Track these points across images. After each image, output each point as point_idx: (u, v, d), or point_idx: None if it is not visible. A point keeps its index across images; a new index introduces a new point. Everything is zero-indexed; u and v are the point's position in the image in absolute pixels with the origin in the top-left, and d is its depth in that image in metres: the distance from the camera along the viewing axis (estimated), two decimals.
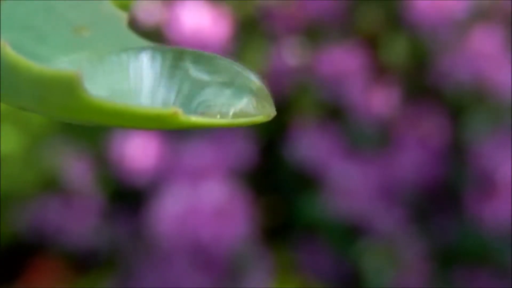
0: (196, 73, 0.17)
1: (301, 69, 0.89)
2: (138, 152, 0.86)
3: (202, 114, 0.16)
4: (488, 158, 0.86)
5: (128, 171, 0.86)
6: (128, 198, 0.89)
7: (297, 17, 0.92)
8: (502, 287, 0.86)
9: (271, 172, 0.92)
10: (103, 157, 0.88)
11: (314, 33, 0.92)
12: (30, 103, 0.15)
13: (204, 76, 0.17)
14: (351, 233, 0.88)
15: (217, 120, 0.16)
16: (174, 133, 0.88)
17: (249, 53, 0.89)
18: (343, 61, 0.89)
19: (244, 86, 0.17)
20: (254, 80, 0.17)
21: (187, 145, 0.87)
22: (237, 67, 0.17)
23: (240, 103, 0.17)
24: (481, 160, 0.87)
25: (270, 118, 0.17)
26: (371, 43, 0.91)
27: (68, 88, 0.14)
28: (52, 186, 0.88)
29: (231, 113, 0.16)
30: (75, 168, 0.88)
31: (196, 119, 0.16)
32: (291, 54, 0.90)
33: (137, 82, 0.17)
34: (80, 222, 0.87)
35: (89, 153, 0.89)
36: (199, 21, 0.88)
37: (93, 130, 0.90)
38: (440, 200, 0.90)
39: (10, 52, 0.14)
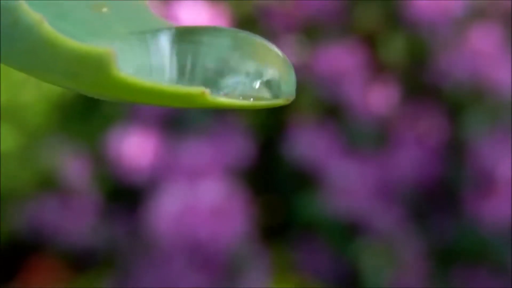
0: (218, 50, 0.17)
1: (300, 67, 0.89)
2: (136, 151, 0.86)
3: (226, 95, 0.17)
4: (487, 156, 0.86)
5: (125, 169, 0.86)
6: (126, 197, 0.89)
7: (295, 15, 0.92)
8: (501, 286, 0.86)
9: (269, 171, 0.92)
10: (101, 156, 0.88)
11: (312, 31, 0.92)
12: (62, 79, 0.15)
13: (227, 54, 0.17)
14: (349, 232, 0.88)
15: (240, 102, 0.17)
16: (172, 132, 0.88)
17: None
18: (341, 60, 0.89)
19: (266, 66, 0.17)
20: (277, 56, 0.18)
21: (185, 143, 0.87)
22: (261, 41, 0.18)
23: (262, 86, 0.17)
24: (479, 159, 0.86)
25: (289, 102, 0.18)
26: (370, 42, 0.91)
27: (101, 64, 0.14)
28: (49, 185, 0.88)
29: (253, 96, 0.17)
30: (72, 167, 0.87)
31: (221, 100, 0.16)
32: (289, 53, 0.90)
33: (158, 61, 0.17)
34: (78, 221, 0.87)
35: (87, 152, 0.88)
36: (197, 19, 0.88)
37: (90, 129, 0.90)
38: (439, 198, 0.90)
39: (47, 27, 0.14)
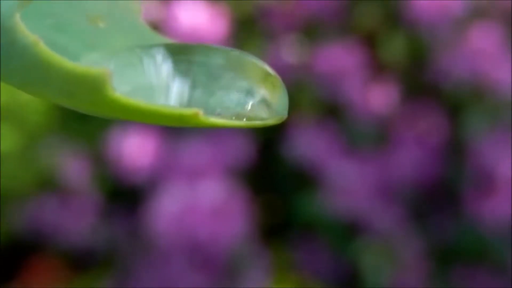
0: (210, 69, 0.17)
1: (299, 67, 0.89)
2: (136, 151, 0.86)
3: (219, 115, 0.17)
4: (487, 156, 0.86)
5: (125, 169, 0.86)
6: (125, 197, 0.89)
7: (295, 15, 0.92)
8: (501, 286, 0.86)
9: (269, 171, 0.92)
10: (101, 156, 0.88)
11: (312, 31, 0.92)
12: (58, 97, 0.16)
13: (219, 73, 0.17)
14: (349, 231, 0.88)
15: (233, 122, 0.17)
16: (172, 132, 0.88)
17: (246, 52, 0.89)
18: (341, 59, 0.89)
19: (258, 85, 0.18)
20: (269, 74, 0.18)
21: (185, 143, 0.87)
22: (252, 60, 0.18)
23: (254, 105, 0.17)
24: (480, 158, 0.86)
25: (282, 121, 0.18)
26: (369, 41, 0.91)
27: (96, 85, 0.15)
28: (49, 185, 0.88)
29: (246, 115, 0.17)
30: (72, 167, 0.87)
31: (214, 120, 0.16)
32: (289, 52, 0.90)
33: (152, 80, 0.17)
34: (78, 221, 0.87)
35: (87, 152, 0.88)
36: (196, 19, 0.88)
37: (90, 129, 0.90)
38: (439, 198, 0.90)
39: (42, 48, 0.15)
